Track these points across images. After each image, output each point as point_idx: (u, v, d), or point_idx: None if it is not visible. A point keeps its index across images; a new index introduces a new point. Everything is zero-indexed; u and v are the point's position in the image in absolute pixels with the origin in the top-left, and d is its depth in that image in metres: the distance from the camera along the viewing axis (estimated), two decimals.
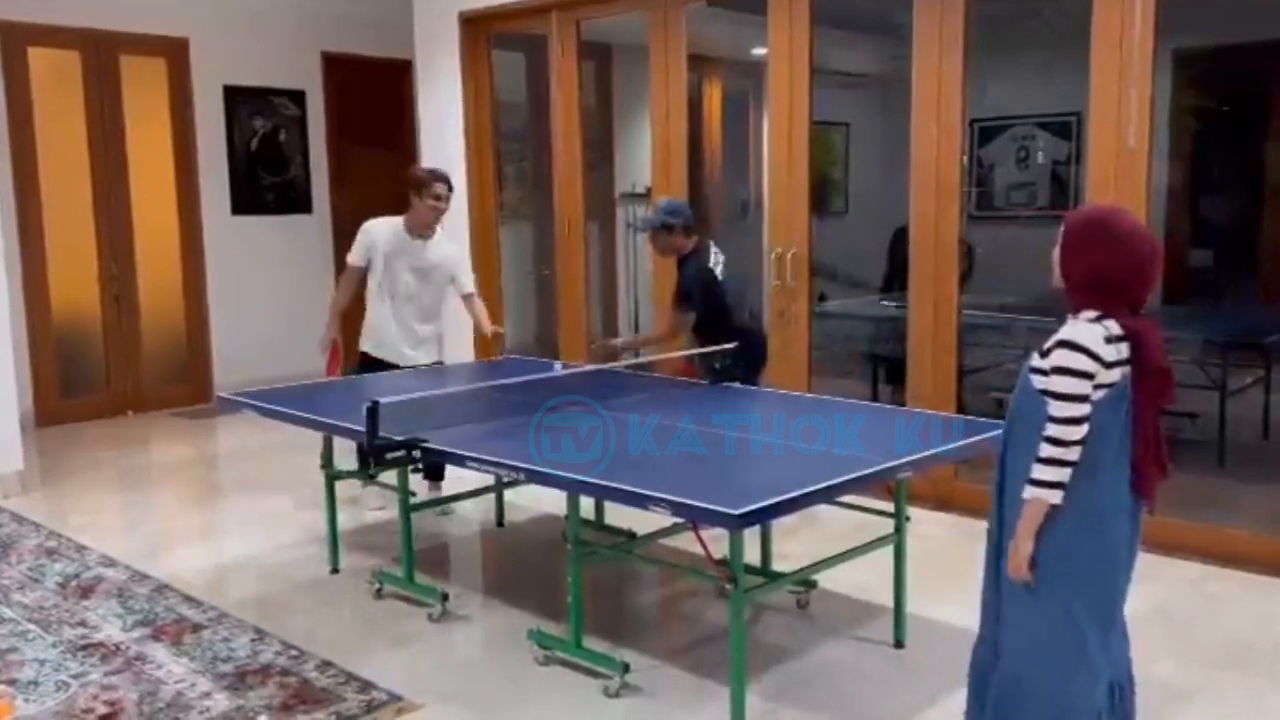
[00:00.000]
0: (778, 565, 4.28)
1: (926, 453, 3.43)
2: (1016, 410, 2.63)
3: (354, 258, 5.56)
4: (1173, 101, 7.34)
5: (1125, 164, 4.70)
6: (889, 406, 4.95)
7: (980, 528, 4.36)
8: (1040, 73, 7.73)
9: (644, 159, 8.70)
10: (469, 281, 5.71)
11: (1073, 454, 2.46)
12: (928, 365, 5.43)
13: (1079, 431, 2.45)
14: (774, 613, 4.16)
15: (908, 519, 3.86)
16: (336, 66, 9.14)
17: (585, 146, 7.17)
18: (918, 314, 5.47)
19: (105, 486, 6.44)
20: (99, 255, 8.08)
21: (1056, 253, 2.61)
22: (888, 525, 3.90)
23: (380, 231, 5.50)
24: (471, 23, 7.47)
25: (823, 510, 4.57)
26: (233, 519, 5.69)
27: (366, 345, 5.62)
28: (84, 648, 4.01)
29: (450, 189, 5.47)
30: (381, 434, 3.70)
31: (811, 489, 3.07)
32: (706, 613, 4.32)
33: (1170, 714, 3.38)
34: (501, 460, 3.46)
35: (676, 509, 3.02)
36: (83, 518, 5.69)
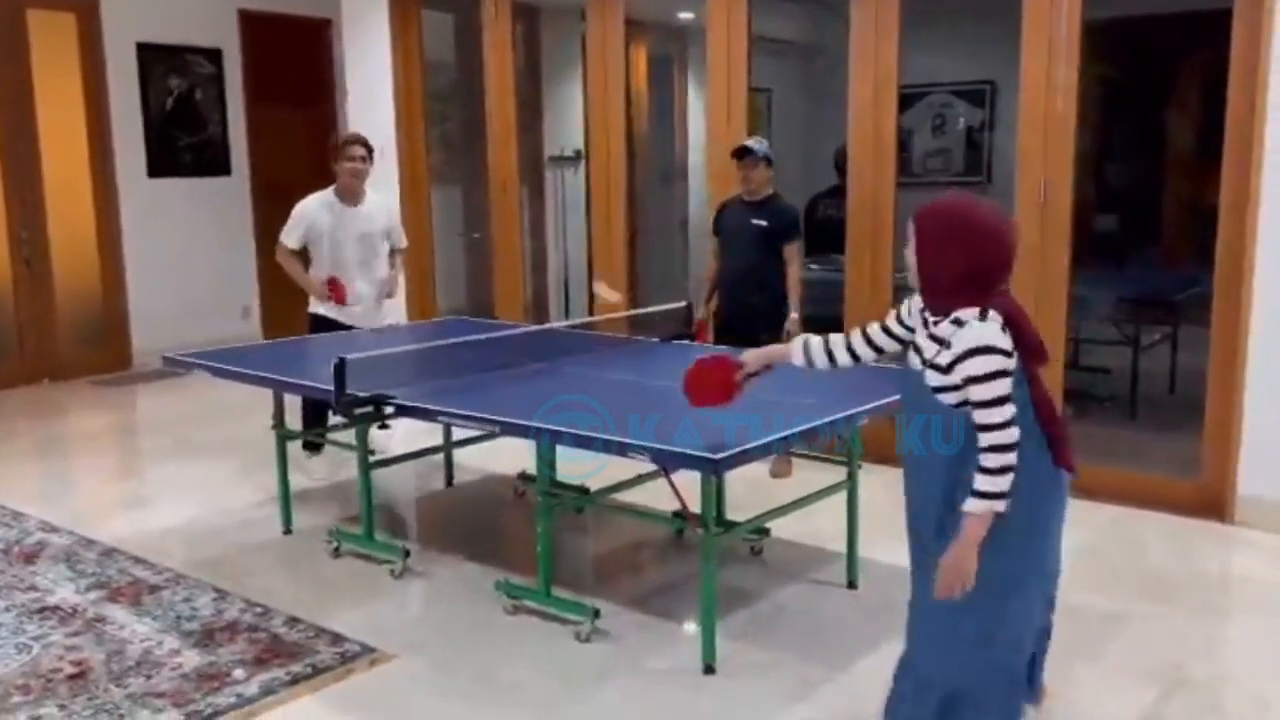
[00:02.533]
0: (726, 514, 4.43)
1: (885, 400, 3.59)
2: (909, 405, 2.58)
3: (292, 241, 5.49)
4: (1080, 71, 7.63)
5: (1055, 128, 4.92)
6: None
7: None
8: (956, 42, 7.95)
9: (573, 122, 8.74)
10: (401, 237, 5.83)
11: (1014, 456, 2.37)
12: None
13: (1015, 431, 2.37)
14: (730, 559, 4.30)
15: (859, 465, 4.04)
16: (254, 24, 8.94)
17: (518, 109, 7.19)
18: (854, 276, 5.64)
19: (30, 454, 6.30)
20: (8, 219, 7.81)
21: (911, 253, 2.51)
22: (829, 476, 4.11)
23: (314, 209, 5.51)
24: None
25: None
26: (171, 484, 5.63)
27: (321, 307, 5.59)
28: (39, 611, 3.97)
29: (369, 149, 5.54)
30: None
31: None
32: (664, 561, 4.47)
33: (1102, 640, 3.63)
34: (477, 414, 3.53)
35: (656, 455, 3.13)
36: (11, 485, 5.56)
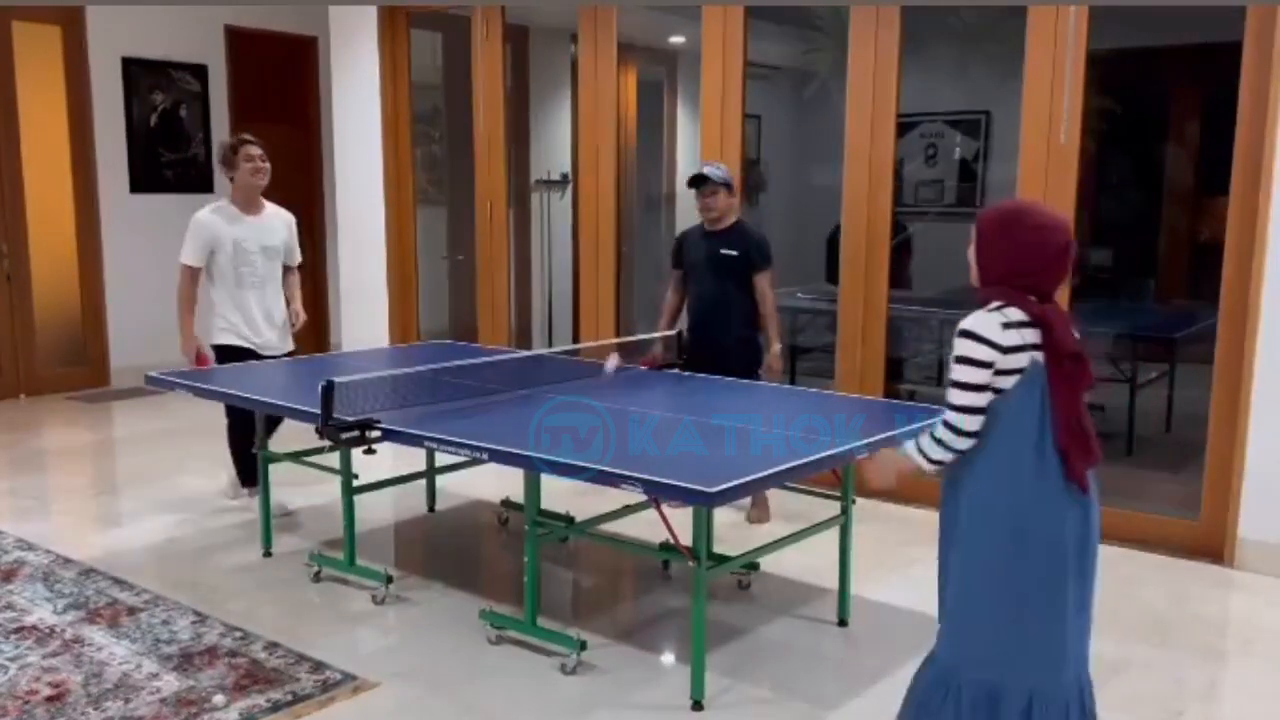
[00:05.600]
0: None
1: (882, 435, 3.54)
2: None
3: (192, 259, 5.14)
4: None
5: (1057, 159, 4.89)
6: (839, 394, 5.08)
7: (901, 513, 4.45)
8: (950, 70, 7.91)
9: (560, 145, 8.70)
10: (297, 254, 5.48)
11: (964, 443, 2.50)
12: (857, 356, 5.56)
13: (975, 421, 2.48)
14: (718, 593, 4.24)
15: (853, 502, 3.98)
16: (240, 40, 8.90)
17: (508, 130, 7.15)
18: (848, 306, 5.57)
19: (6, 471, 6.17)
20: None
21: (972, 251, 2.61)
22: (818, 510, 4.05)
23: (213, 221, 5.15)
24: None
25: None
26: (150, 503, 5.52)
27: (227, 338, 5.25)
28: (16, 630, 3.89)
29: (263, 150, 5.20)
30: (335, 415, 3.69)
31: (780, 468, 3.16)
32: (650, 593, 4.40)
33: (1101, 684, 3.54)
34: (467, 441, 3.46)
35: (648, 487, 3.06)
36: None
